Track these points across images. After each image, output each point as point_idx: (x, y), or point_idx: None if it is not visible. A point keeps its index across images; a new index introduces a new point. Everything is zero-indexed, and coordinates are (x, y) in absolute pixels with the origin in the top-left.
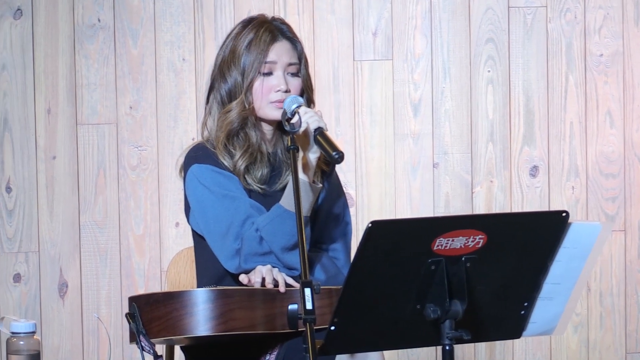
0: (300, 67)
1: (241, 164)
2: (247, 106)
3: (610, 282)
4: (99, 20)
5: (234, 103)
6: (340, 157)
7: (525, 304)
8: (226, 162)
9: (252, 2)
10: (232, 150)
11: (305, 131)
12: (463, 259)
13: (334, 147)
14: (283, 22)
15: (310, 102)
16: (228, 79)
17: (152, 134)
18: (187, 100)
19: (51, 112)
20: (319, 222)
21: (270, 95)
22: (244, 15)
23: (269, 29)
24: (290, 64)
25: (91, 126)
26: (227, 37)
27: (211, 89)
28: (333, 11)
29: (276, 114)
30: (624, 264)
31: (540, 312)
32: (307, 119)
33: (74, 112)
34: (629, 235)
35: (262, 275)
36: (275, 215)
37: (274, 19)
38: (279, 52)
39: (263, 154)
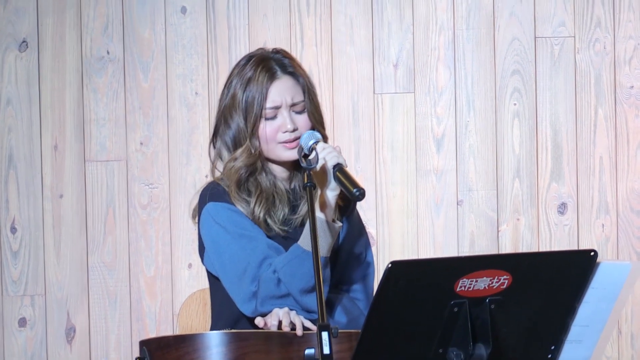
0: (305, 102)
1: (259, 211)
2: (253, 152)
3: None
4: (108, 52)
5: (240, 151)
6: (362, 194)
7: (552, 347)
8: (244, 210)
9: (268, 33)
10: (247, 198)
11: (323, 168)
12: (487, 300)
13: (354, 184)
14: (285, 55)
15: (322, 137)
16: (232, 126)
17: (163, 171)
18: (200, 136)
19: (58, 149)
20: (340, 263)
21: (277, 137)
22: (259, 47)
23: (266, 68)
24: (294, 103)
25: (100, 163)
26: (227, 79)
27: (215, 134)
28: (352, 42)
29: (288, 155)
30: None
31: (568, 355)
32: (325, 155)
33: (81, 148)
34: None
35: (279, 317)
36: (294, 256)
37: (276, 51)
38: (281, 92)
39: (281, 194)
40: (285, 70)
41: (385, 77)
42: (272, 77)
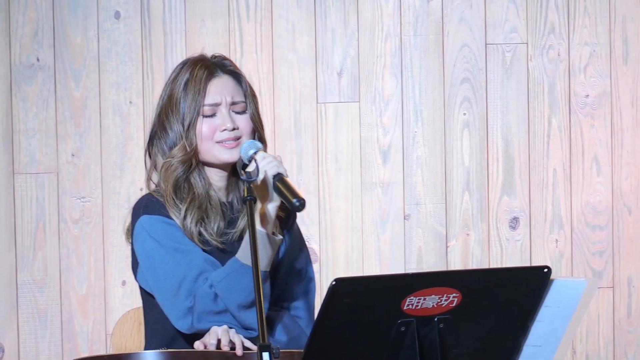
0: (247, 104)
1: (190, 222)
2: (189, 149)
3: (598, 344)
4: (38, 59)
5: (176, 149)
6: (302, 204)
7: None
8: (177, 220)
9: (206, 39)
10: (181, 206)
11: (264, 181)
12: (436, 319)
13: (294, 194)
14: (225, 58)
15: (262, 142)
16: (168, 129)
17: (96, 184)
18: (134, 147)
19: None
20: (279, 278)
21: (215, 135)
22: (197, 53)
23: (205, 66)
24: (234, 102)
25: (29, 175)
26: (165, 84)
27: (152, 140)
28: (294, 49)
29: (226, 157)
30: (612, 324)
31: None
32: (264, 165)
33: (10, 160)
34: (617, 293)
35: (218, 336)
36: (232, 270)
37: (213, 56)
38: (221, 90)
39: (215, 205)
40: (225, 69)
41: (328, 86)
42: (211, 75)
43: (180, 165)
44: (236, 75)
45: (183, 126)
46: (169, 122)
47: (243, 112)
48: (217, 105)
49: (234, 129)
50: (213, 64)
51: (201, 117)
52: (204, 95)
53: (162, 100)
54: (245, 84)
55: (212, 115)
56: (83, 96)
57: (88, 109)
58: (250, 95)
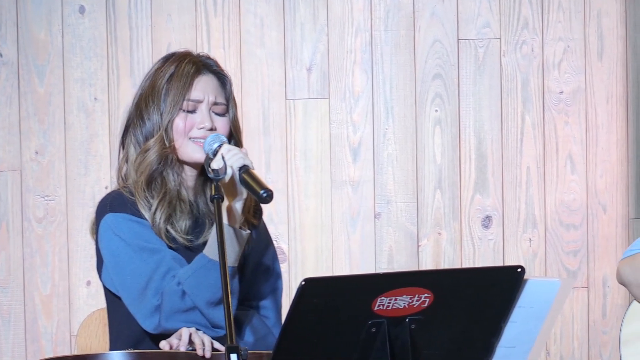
0: (228, 107)
1: (160, 217)
2: (167, 144)
3: (572, 345)
4: (0, 55)
5: (152, 140)
6: (269, 195)
7: None
8: (146, 213)
9: (172, 35)
10: (151, 200)
11: (231, 178)
12: (407, 320)
13: (261, 186)
14: (209, 57)
15: (239, 147)
16: (146, 119)
17: (60, 182)
18: (99, 144)
19: None
20: (246, 276)
21: (191, 132)
22: (163, 49)
23: (192, 61)
24: (216, 103)
25: None
26: (146, 75)
27: (127, 130)
28: (262, 45)
29: (198, 156)
30: (586, 324)
31: None
32: (230, 158)
33: None
34: (592, 293)
35: (186, 337)
36: (199, 266)
37: (199, 54)
38: (205, 88)
39: (184, 201)
40: (211, 69)
41: (297, 82)
42: (198, 71)
43: (156, 159)
44: (221, 77)
45: (162, 118)
46: (147, 111)
47: (223, 114)
48: (199, 102)
49: (211, 129)
50: (200, 61)
51: (182, 111)
52: (189, 89)
53: (142, 89)
54: (229, 87)
55: (192, 112)
56: (47, 92)
57: (52, 106)
58: (232, 99)
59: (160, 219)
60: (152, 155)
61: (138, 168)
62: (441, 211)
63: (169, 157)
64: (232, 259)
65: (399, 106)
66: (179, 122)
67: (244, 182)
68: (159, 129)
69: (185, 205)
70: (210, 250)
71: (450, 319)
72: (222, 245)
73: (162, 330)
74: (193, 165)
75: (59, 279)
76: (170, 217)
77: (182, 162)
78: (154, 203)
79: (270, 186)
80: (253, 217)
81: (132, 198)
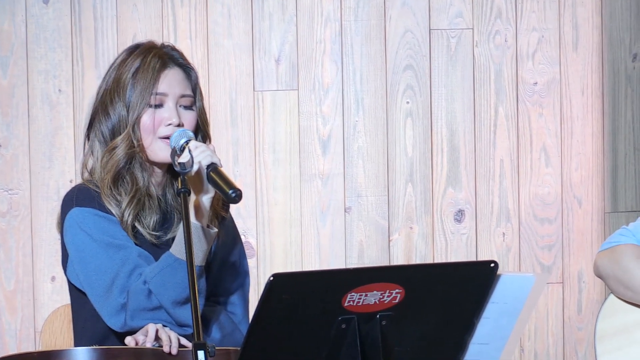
0: (195, 99)
1: (128, 215)
2: (135, 143)
3: (547, 342)
4: None
5: (119, 138)
6: (238, 195)
7: None
8: (113, 210)
9: (139, 25)
10: (119, 197)
11: (198, 172)
12: (378, 316)
13: (229, 185)
14: (174, 49)
15: (206, 139)
16: (111, 114)
17: (24, 175)
18: (63, 137)
19: None
20: (213, 272)
21: (159, 130)
22: (128, 40)
23: (158, 55)
24: (183, 96)
25: None
26: (110, 67)
27: (91, 124)
28: (230, 35)
29: (165, 155)
30: (561, 320)
31: None
32: (197, 155)
33: None
34: (567, 288)
35: (152, 333)
36: (166, 265)
37: (163, 45)
38: (171, 82)
39: (152, 197)
40: (177, 62)
41: (266, 73)
42: (164, 65)
43: (123, 157)
44: (186, 69)
45: (128, 113)
46: (113, 106)
47: (190, 106)
48: (165, 95)
49: (178, 125)
50: (165, 54)
51: (148, 107)
52: (156, 83)
53: (107, 84)
54: (194, 78)
55: (159, 106)
56: (10, 84)
57: (15, 98)
58: (199, 91)
59: (128, 216)
60: (119, 154)
61: (105, 166)
62: (413, 205)
63: (136, 156)
64: (199, 258)
65: (369, 98)
66: (146, 119)
67: (212, 181)
68: (126, 125)
69: (153, 201)
70: (177, 249)
71: (421, 315)
72: (189, 245)
73: (128, 328)
74: (160, 164)
75: (23, 274)
76: (139, 215)
77: (150, 162)
78: (124, 201)
79: (238, 185)
80: (222, 208)
81: (98, 191)
